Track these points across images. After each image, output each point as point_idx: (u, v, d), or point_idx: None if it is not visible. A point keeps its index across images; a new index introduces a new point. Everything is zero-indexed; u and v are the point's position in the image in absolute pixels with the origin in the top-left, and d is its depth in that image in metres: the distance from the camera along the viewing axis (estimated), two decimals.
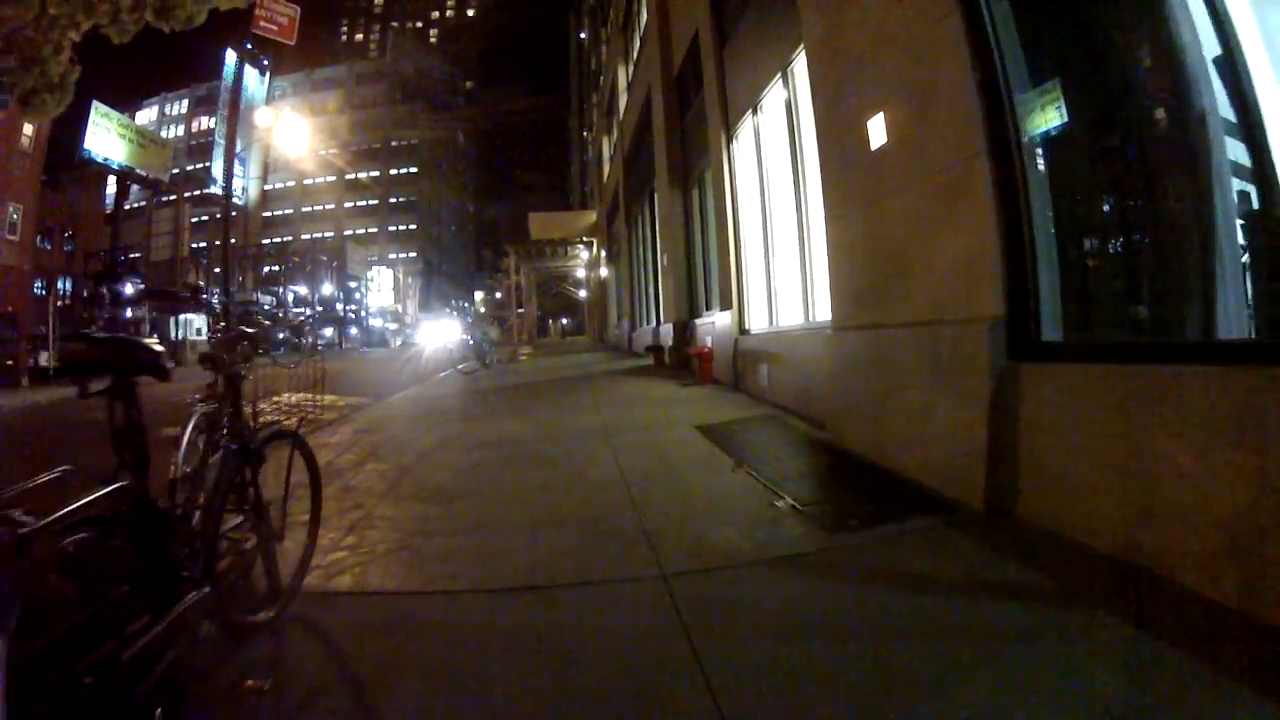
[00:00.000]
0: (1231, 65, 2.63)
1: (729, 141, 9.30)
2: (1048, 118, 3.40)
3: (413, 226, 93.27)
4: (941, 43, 3.79)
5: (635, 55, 18.30)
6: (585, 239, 36.90)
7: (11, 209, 25.67)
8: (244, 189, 76.97)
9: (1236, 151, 2.65)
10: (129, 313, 37.87)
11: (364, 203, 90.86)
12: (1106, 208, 3.53)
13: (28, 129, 26.50)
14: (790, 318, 7.59)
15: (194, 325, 37.29)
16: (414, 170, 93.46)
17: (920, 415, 3.98)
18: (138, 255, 58.20)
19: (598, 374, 13.64)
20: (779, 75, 7.28)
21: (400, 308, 73.71)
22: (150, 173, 51.57)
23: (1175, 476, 2.41)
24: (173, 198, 60.01)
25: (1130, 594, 2.37)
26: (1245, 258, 2.69)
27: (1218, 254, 2.74)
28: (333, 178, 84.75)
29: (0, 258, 24.84)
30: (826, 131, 5.46)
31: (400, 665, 2.26)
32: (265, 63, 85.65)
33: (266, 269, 61.89)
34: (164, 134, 66.90)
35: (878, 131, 4.51)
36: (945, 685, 1.92)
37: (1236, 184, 2.67)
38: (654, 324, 16.78)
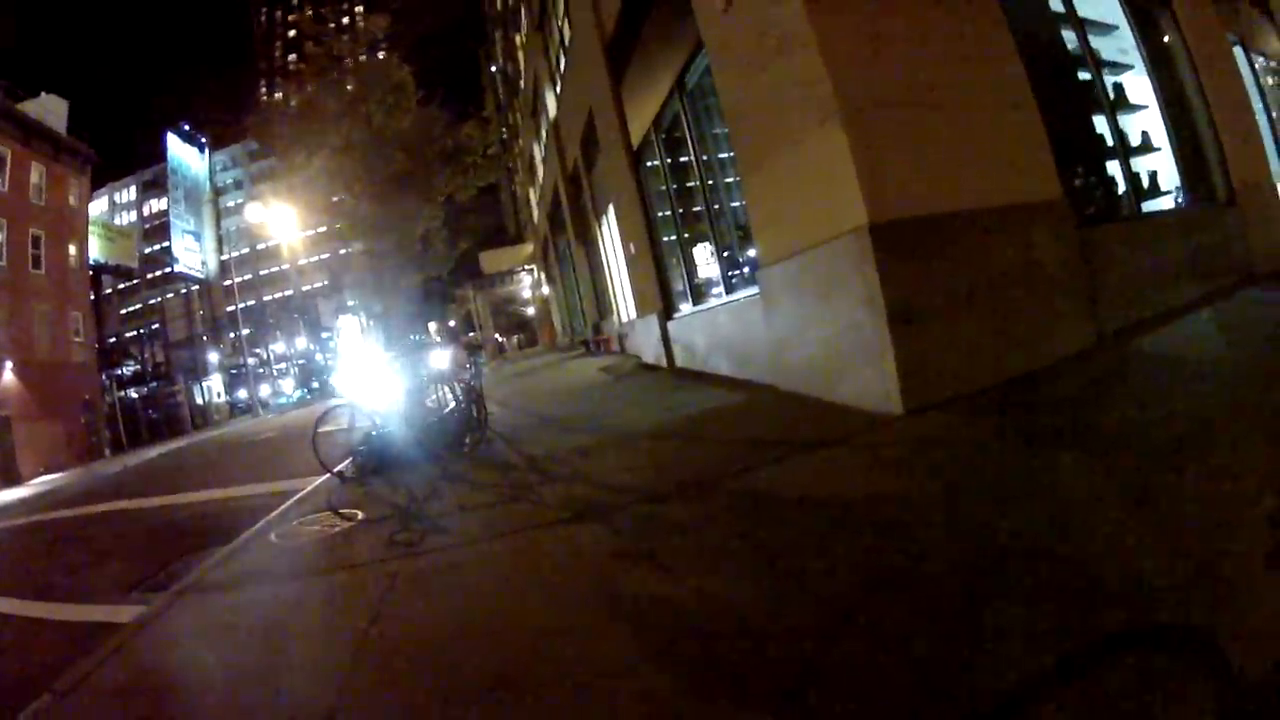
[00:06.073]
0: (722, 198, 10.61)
1: (599, 223, 17.20)
2: (664, 230, 11.40)
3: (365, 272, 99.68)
4: (637, 224, 11.68)
5: (544, 143, 25.88)
6: (526, 266, 44.68)
7: (77, 315, 32.52)
8: (203, 263, 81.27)
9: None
10: (132, 392, 44.42)
11: (318, 257, 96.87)
12: (684, 265, 11.49)
13: (72, 250, 33.28)
14: (630, 315, 15.47)
15: (214, 390, 44.11)
16: None
17: (650, 341, 11.91)
18: (114, 340, 63.77)
19: (553, 362, 21.84)
20: (611, 202, 15.14)
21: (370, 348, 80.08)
22: (121, 262, 57.47)
23: (698, 350, 10.38)
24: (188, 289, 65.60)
25: (681, 371, 10.42)
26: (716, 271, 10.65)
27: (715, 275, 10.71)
28: (281, 240, 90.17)
29: (73, 356, 31.72)
30: (621, 240, 13.40)
31: (513, 400, 10.16)
32: (204, 140, 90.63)
33: (245, 332, 68.02)
34: (117, 221, 71.89)
35: (632, 248, 12.40)
36: (642, 385, 9.95)
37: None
38: (582, 326, 24.71)
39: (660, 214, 11.47)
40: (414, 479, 6.55)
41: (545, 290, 41.32)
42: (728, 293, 8.79)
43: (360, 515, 5.49)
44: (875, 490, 3.51)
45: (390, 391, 8.52)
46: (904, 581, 2.46)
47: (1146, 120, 8.71)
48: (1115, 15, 8.63)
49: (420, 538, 4.39)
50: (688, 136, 9.21)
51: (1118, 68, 8.66)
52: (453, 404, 8.38)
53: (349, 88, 14.03)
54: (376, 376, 9.07)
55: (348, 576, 3.95)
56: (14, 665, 4.30)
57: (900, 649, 2.01)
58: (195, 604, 4.11)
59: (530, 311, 58.70)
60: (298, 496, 7.07)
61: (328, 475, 7.45)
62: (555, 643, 2.57)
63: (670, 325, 11.11)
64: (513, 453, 6.90)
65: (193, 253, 79.81)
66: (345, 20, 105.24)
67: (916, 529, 2.89)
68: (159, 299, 77.81)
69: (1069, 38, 7.82)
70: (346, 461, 7.70)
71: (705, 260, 10.37)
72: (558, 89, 19.73)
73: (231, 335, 68.57)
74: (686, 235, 10.57)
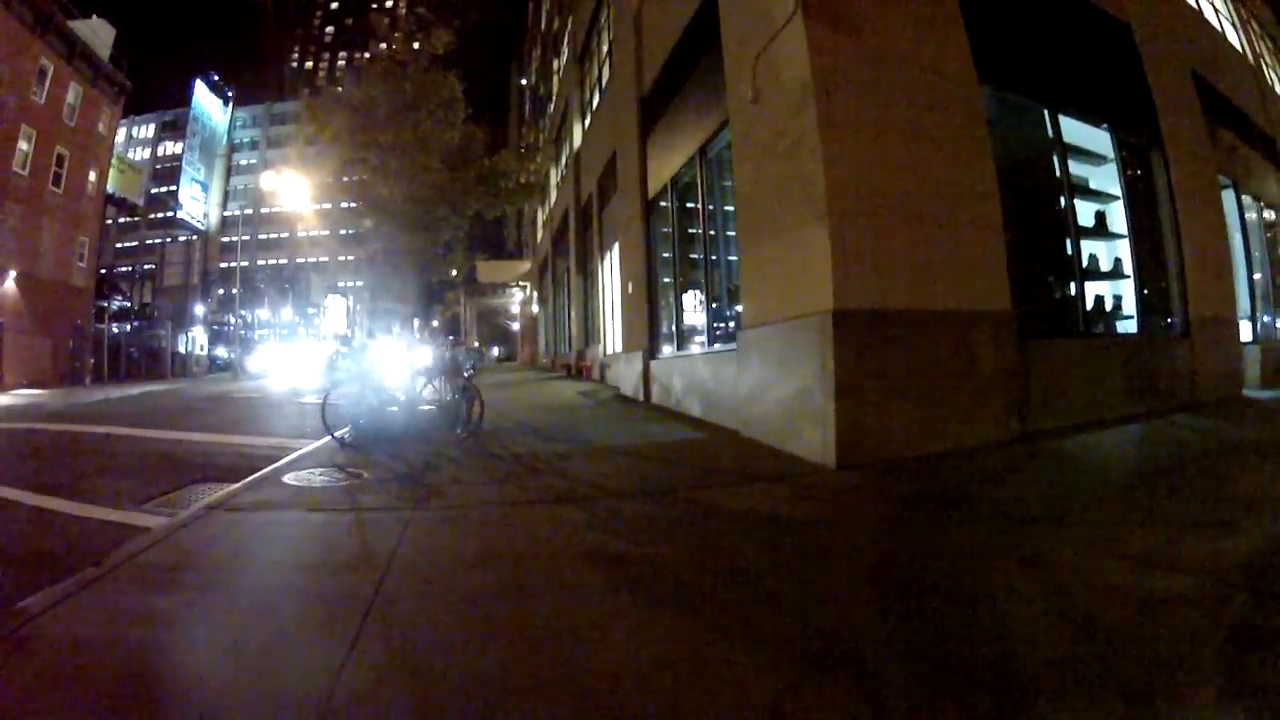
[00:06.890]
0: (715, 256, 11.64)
1: (602, 258, 18.25)
2: (662, 277, 12.42)
3: (361, 256, 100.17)
4: (638, 266, 12.70)
5: (562, 170, 27.00)
6: (520, 282, 45.68)
7: (84, 240, 33.08)
8: (205, 214, 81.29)
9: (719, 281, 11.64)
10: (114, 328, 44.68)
11: (316, 232, 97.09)
12: (674, 312, 12.48)
13: (91, 176, 33.91)
14: (615, 348, 16.43)
15: (197, 342, 44.44)
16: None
17: (630, 376, 12.88)
18: (105, 272, 63.45)
19: (533, 380, 22.74)
20: (618, 241, 16.16)
21: (350, 332, 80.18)
22: (128, 197, 57.71)
23: (674, 390, 11.36)
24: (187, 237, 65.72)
25: (656, 406, 11.39)
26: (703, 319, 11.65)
27: (704, 327, 11.70)
28: (287, 208, 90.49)
29: (73, 279, 32.22)
30: (621, 280, 14.42)
31: (498, 407, 11.04)
32: (230, 94, 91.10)
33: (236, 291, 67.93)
34: (130, 155, 71.83)
35: (630, 285, 13.41)
36: (618, 412, 10.94)
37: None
38: (567, 350, 25.69)
39: (661, 255, 12.48)
40: (411, 454, 7.40)
41: (535, 309, 42.16)
42: (709, 344, 9.84)
43: (365, 475, 6.33)
44: (793, 511, 4.61)
45: (398, 375, 9.41)
46: (797, 562, 3.52)
47: (1122, 247, 9.47)
48: (1107, 147, 9.46)
49: (426, 497, 5.28)
50: (700, 195, 10.29)
51: (1104, 197, 9.47)
52: (450, 396, 9.25)
53: (407, 93, 15.17)
54: (388, 359, 9.92)
55: (367, 516, 4.82)
56: (39, 546, 4.82)
57: (776, 592, 3.05)
58: (226, 518, 4.82)
59: (515, 326, 59.50)
60: (300, 452, 7.88)
61: (328, 438, 8.24)
62: (544, 573, 3.55)
63: (653, 364, 12.07)
64: (499, 449, 7.78)
65: (197, 202, 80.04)
66: (393, 17, 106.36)
67: (814, 537, 3.99)
68: (156, 241, 77.64)
69: (1056, 163, 8.62)
70: (346, 429, 8.50)
71: (693, 308, 11.37)
72: (586, 122, 20.85)
73: (220, 291, 68.40)
74: (681, 281, 11.57)
